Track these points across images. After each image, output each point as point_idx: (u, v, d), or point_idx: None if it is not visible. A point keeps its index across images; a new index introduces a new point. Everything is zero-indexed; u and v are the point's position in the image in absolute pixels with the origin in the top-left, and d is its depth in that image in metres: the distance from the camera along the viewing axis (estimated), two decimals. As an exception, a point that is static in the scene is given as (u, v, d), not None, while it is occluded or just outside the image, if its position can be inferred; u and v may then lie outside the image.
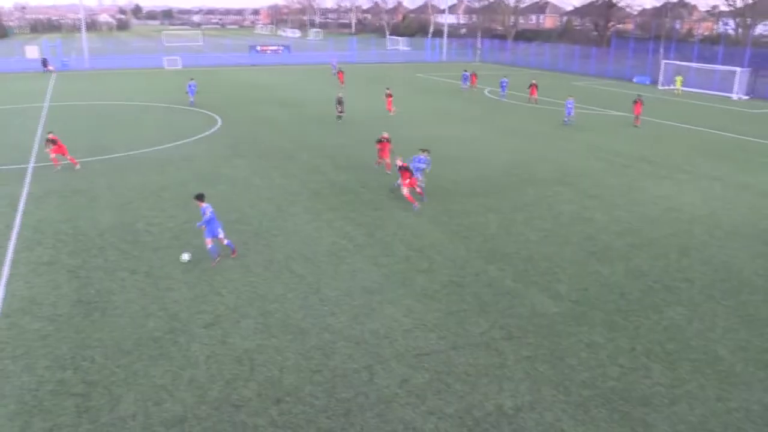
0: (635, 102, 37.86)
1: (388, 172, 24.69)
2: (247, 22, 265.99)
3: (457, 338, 12.62)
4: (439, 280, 15.40)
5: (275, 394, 10.70)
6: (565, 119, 37.92)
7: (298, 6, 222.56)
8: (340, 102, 37.71)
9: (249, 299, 14.25)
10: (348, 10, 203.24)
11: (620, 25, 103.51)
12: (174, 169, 25.61)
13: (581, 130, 36.07)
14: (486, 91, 53.65)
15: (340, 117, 37.42)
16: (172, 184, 23.43)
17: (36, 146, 29.69)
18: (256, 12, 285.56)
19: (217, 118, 38.11)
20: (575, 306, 14.10)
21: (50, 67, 69.69)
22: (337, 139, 32.20)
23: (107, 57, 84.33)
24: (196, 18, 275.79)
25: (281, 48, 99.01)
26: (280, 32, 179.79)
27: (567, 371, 11.49)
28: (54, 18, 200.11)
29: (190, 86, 43.77)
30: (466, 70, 58.08)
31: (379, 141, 25.15)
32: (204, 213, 15.58)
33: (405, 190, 20.68)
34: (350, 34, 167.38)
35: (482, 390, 10.92)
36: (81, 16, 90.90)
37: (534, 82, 48.25)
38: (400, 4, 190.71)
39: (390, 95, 41.35)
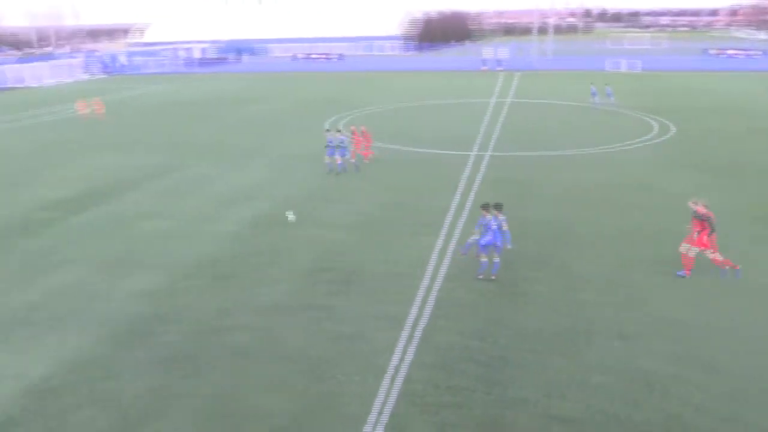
0: None
1: None
2: (702, 24, 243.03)
3: None
4: None
5: (673, 428, 9.89)
6: None
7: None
8: None
9: (666, 320, 13.39)
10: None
11: None
12: (608, 171, 25.52)
13: None
14: None
15: None
16: (608, 186, 23.43)
17: (480, 137, 33.20)
18: (714, 12, 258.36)
19: (659, 124, 36.31)
20: None
21: (500, 69, 76.57)
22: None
23: (561, 58, 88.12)
24: (646, 19, 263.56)
25: (746, 52, 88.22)
26: (737, 34, 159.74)
27: None
28: (511, 22, 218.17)
29: (608, 91, 45.07)
30: None
31: None
32: (489, 225, 14.86)
33: (712, 255, 15.26)
34: None
35: None
36: (535, 20, 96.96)
37: None
38: None
39: None
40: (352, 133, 28.45)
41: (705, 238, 15.17)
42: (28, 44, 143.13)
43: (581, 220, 19.85)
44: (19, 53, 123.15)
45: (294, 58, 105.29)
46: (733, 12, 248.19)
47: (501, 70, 75.98)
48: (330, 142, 25.96)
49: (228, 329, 13.34)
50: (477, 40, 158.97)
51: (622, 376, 11.32)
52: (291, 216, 19.69)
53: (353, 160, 26.83)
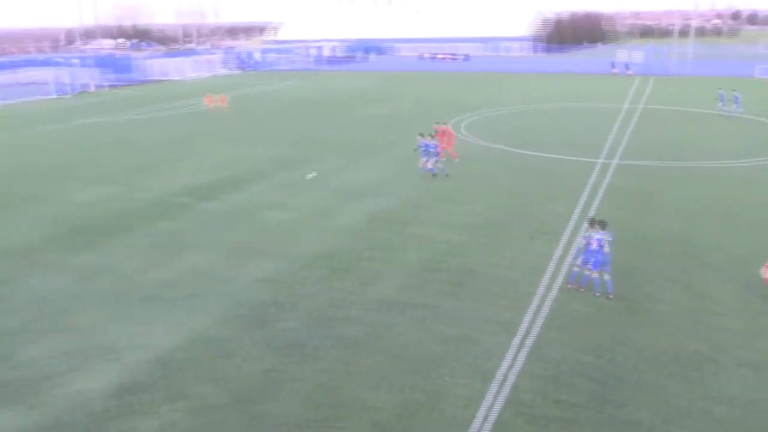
0: None
1: None
2: None
3: None
4: None
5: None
6: None
7: None
8: None
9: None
10: None
11: None
12: (747, 187, 23.58)
13: None
14: None
15: None
16: (745, 203, 21.67)
17: (608, 144, 31.72)
18: None
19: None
20: None
21: (629, 72, 72.36)
22: None
23: (703, 63, 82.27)
24: None
25: None
26: None
27: None
28: (649, 23, 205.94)
29: (736, 97, 40.78)
30: None
31: None
32: (590, 242, 14.49)
33: None
34: None
35: None
36: (676, 22, 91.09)
37: None
38: None
39: None
40: (436, 132, 28.06)
41: None
42: (174, 40, 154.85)
43: (713, 238, 18.48)
44: (165, 48, 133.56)
45: (420, 57, 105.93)
46: None
47: (631, 74, 72.14)
48: (425, 146, 25.49)
49: (340, 320, 13.71)
50: (611, 42, 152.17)
51: (751, 409, 10.45)
52: (310, 176, 22.87)
53: (429, 166, 25.76)
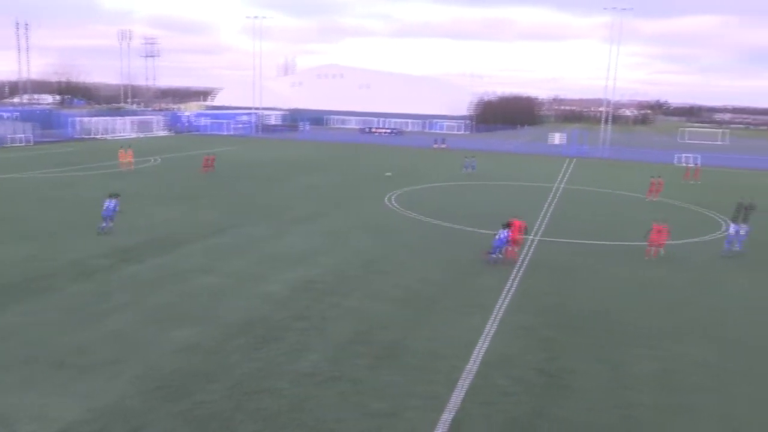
0: None
1: None
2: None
3: None
4: None
5: None
6: None
7: None
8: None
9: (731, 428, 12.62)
10: None
11: None
12: (667, 267, 24.79)
13: None
14: None
15: None
16: (664, 281, 22.73)
17: (539, 221, 32.91)
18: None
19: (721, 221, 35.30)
20: None
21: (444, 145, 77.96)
22: None
23: (621, 149, 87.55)
24: (721, 117, 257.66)
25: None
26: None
27: None
28: (578, 110, 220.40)
29: (465, 163, 47.90)
30: None
31: None
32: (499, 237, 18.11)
33: None
34: None
35: None
36: (604, 109, 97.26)
37: None
38: None
39: None
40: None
41: None
42: (116, 100, 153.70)
43: (634, 314, 19.17)
44: (107, 107, 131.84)
45: (362, 131, 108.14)
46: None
47: (444, 147, 77.50)
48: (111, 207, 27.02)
49: (263, 393, 13.23)
50: (536, 124, 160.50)
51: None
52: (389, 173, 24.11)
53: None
